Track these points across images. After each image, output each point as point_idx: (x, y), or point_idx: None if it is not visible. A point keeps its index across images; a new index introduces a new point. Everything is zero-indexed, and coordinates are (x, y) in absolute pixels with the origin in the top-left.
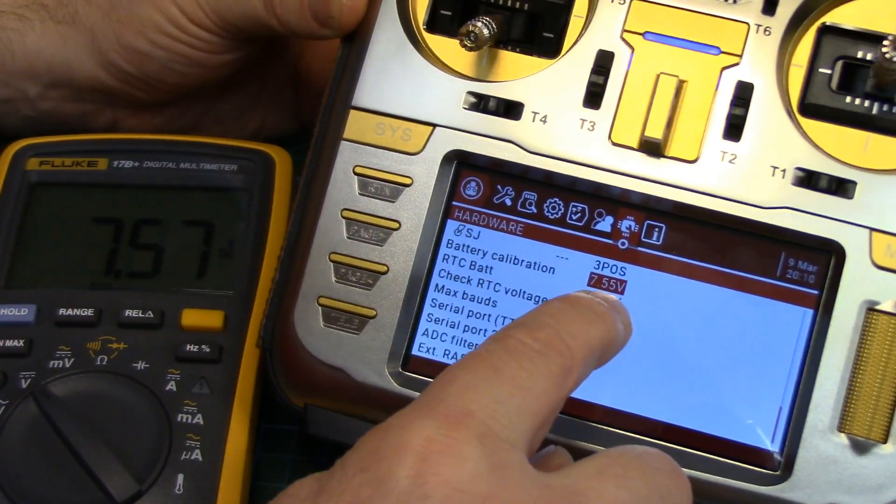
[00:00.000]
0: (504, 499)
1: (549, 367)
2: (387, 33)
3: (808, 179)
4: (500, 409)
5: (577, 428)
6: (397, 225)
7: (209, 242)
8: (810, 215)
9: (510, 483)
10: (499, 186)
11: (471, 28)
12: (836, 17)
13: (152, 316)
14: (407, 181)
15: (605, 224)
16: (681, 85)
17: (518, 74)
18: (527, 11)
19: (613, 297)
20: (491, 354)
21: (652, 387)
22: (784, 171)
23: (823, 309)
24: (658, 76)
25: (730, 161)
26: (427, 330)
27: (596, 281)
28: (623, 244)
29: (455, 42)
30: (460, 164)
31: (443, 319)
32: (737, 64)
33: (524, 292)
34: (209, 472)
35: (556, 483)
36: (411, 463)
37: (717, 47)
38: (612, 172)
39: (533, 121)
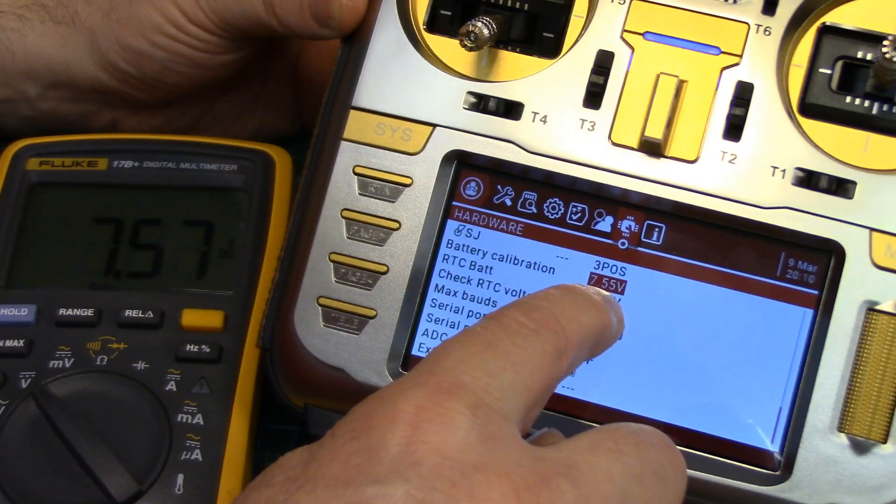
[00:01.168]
0: (495, 468)
1: (543, 346)
2: (387, 33)
3: (808, 179)
4: (492, 382)
5: (578, 428)
6: (397, 225)
7: (209, 242)
8: (810, 215)
9: (501, 453)
10: (499, 186)
11: (471, 28)
12: (836, 17)
13: (152, 316)
14: (407, 181)
15: (605, 224)
16: (681, 85)
17: (518, 74)
18: (527, 11)
19: (607, 292)
20: (485, 330)
21: (652, 386)
22: (784, 171)
23: (823, 309)
24: (658, 76)
25: (730, 161)
26: (427, 330)
27: (596, 281)
28: (623, 244)
29: (455, 42)
30: (460, 164)
31: (443, 319)
32: (737, 64)
33: (524, 292)
34: (209, 472)
35: (548, 456)
36: (402, 431)
37: (717, 47)
38: (612, 172)
39: (533, 121)
